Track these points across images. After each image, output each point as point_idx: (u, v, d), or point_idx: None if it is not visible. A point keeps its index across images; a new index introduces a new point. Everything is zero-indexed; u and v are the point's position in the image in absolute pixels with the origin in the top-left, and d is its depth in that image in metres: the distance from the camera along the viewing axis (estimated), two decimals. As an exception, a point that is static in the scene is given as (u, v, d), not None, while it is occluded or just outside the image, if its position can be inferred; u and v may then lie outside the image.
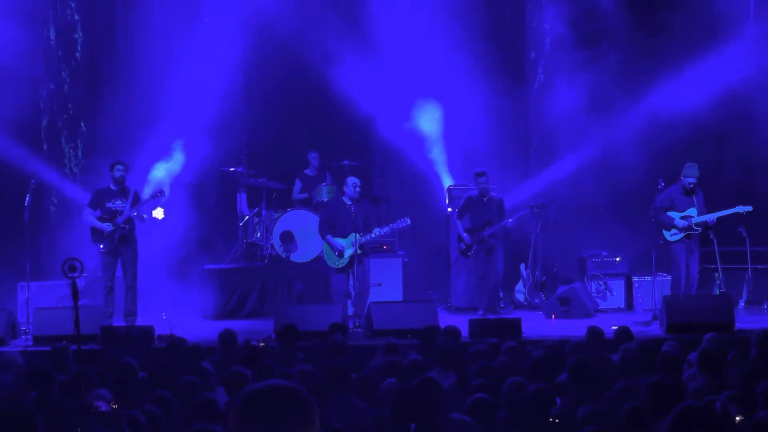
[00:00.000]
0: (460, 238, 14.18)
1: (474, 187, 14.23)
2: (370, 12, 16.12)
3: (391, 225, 13.10)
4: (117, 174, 13.01)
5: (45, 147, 16.00)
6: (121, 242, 12.90)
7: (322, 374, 7.64)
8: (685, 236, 13.24)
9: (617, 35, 15.81)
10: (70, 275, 7.00)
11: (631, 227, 14.93)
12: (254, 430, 2.81)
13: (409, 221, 13.14)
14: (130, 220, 12.93)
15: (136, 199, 13.02)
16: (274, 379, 2.91)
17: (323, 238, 13.19)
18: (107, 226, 12.84)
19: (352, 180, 13.19)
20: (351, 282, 13.14)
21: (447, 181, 15.71)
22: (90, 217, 12.97)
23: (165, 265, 14.75)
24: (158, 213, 13.11)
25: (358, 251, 12.89)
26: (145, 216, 12.96)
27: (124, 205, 12.92)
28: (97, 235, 12.95)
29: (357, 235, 12.83)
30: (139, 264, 13.38)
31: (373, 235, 12.99)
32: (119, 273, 13.11)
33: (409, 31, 16.02)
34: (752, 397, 6.71)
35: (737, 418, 6.24)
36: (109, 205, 12.93)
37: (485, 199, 14.06)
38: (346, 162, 15.30)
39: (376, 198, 15.45)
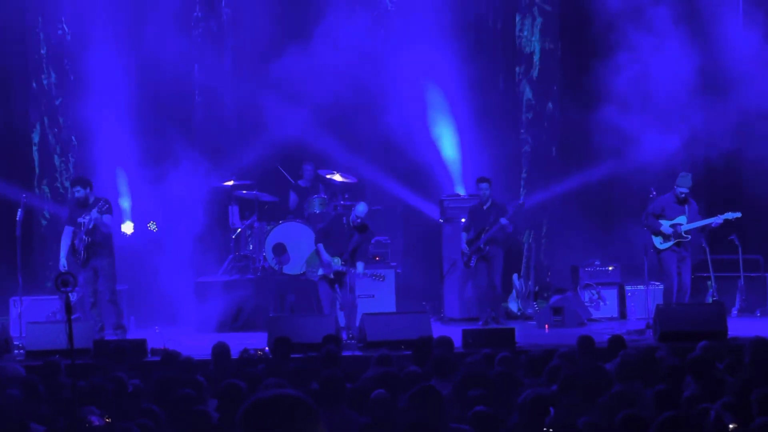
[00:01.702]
0: (463, 251, 14.17)
1: (476, 196, 14.17)
2: (360, 22, 16.14)
3: (372, 273, 13.29)
4: (76, 195, 12.73)
5: (36, 161, 15.99)
6: (91, 255, 12.74)
7: (316, 386, 7.63)
8: (674, 244, 13.25)
9: (607, 46, 15.81)
10: (63, 290, 6.99)
11: (624, 237, 14.94)
12: None
13: (383, 277, 13.48)
14: (90, 231, 12.67)
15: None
16: (281, 389, 2.91)
17: (316, 243, 13.27)
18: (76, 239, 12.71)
19: (359, 207, 13.22)
20: (339, 292, 13.18)
21: (440, 193, 15.69)
22: (64, 236, 12.81)
23: (157, 279, 14.72)
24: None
25: (342, 270, 13.01)
26: (92, 224, 12.59)
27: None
28: (71, 250, 12.84)
29: (339, 260, 12.93)
30: (135, 277, 13.29)
31: (354, 272, 13.07)
32: (102, 287, 12.98)
33: (400, 46, 16.04)
34: (746, 405, 6.72)
35: (730, 426, 6.24)
36: (80, 219, 12.71)
37: (485, 207, 14.03)
38: (337, 172, 15.30)
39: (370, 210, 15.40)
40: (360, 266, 13.07)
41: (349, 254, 13.03)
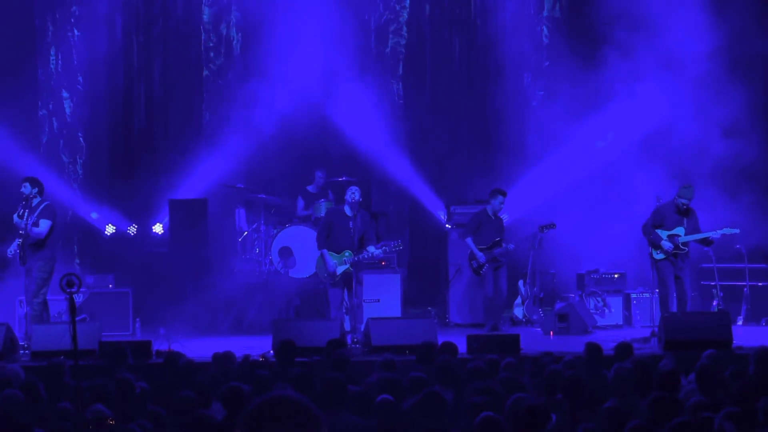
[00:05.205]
0: (472, 256, 14.02)
1: (485, 204, 14.06)
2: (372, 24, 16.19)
3: (384, 248, 13.03)
4: (21, 189, 12.55)
5: (44, 162, 16.03)
6: (27, 254, 12.53)
7: (319, 389, 7.62)
8: (672, 255, 13.11)
9: (610, 48, 15.79)
10: (68, 290, 6.99)
11: (630, 244, 14.90)
12: None
13: (401, 245, 13.18)
14: (23, 234, 12.52)
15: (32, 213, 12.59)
16: (282, 391, 2.90)
17: (319, 249, 13.04)
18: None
19: (351, 188, 13.07)
20: (345, 297, 13.09)
21: (445, 198, 15.69)
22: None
23: (163, 281, 14.73)
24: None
25: (351, 269, 12.84)
26: (22, 231, 12.47)
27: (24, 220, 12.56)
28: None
29: (350, 252, 12.78)
30: (140, 279, 13.29)
31: (366, 255, 12.91)
32: (32, 285, 12.66)
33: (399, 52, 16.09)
34: (751, 415, 6.70)
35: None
36: (15, 218, 12.59)
37: (495, 218, 13.98)
38: (344, 177, 15.31)
39: (375, 214, 15.35)
40: (371, 248, 12.90)
41: (356, 244, 12.86)
